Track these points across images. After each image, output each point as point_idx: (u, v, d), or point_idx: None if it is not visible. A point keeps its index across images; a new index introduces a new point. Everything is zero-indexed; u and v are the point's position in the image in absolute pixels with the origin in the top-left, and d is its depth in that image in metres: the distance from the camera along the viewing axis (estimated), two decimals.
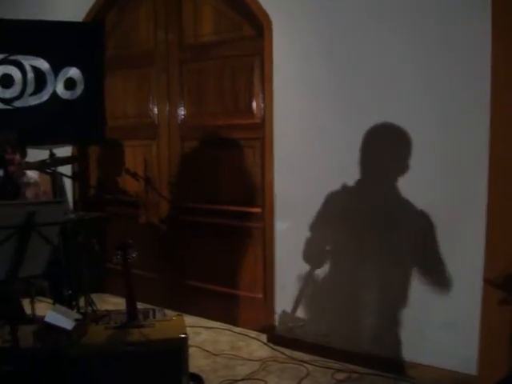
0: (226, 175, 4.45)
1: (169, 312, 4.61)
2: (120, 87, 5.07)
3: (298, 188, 3.91)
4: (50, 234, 2.39)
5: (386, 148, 3.55)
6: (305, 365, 3.76)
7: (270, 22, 3.93)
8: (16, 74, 4.36)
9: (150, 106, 4.89)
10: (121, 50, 5.03)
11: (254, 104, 4.21)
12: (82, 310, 4.07)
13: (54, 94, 4.45)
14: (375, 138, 3.54)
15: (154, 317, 4.55)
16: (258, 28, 4.05)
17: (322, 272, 3.85)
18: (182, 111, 4.70)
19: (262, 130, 4.09)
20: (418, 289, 3.47)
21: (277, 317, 4.11)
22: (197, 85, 4.56)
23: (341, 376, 3.61)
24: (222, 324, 4.53)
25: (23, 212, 2.29)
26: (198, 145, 4.61)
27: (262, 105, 4.12)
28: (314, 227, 3.83)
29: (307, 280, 3.89)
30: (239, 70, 4.27)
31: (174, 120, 4.74)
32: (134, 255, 3.06)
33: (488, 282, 3.13)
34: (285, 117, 3.94)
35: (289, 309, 4.03)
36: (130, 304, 3.10)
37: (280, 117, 3.95)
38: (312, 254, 3.87)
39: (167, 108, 4.78)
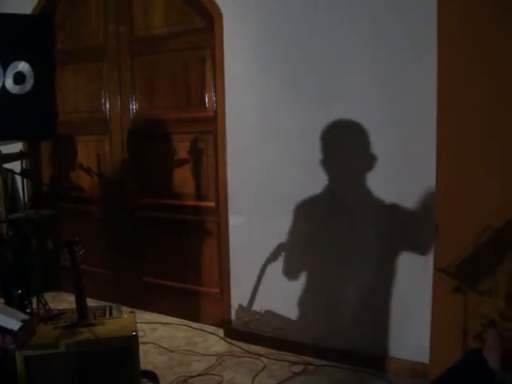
0: (179, 169, 4.40)
1: (126, 309, 4.56)
2: (71, 81, 4.97)
3: (251, 182, 3.89)
4: None
5: (341, 139, 3.55)
6: (261, 358, 3.76)
7: (220, 15, 3.89)
8: None
9: (102, 100, 4.81)
10: (71, 44, 4.92)
11: (206, 97, 4.17)
12: (35, 310, 3.99)
13: (3, 89, 4.33)
14: (330, 130, 3.54)
15: (111, 314, 4.51)
16: (209, 20, 4.00)
17: (275, 265, 3.84)
18: (133, 105, 4.63)
19: (214, 124, 4.06)
20: (372, 277, 3.50)
21: (233, 311, 4.10)
22: (148, 78, 4.50)
23: (297, 369, 3.61)
24: (180, 320, 4.49)
25: None
26: (151, 139, 4.55)
27: (214, 98, 4.08)
28: (268, 221, 3.83)
29: (261, 274, 3.89)
30: (191, 62, 4.23)
31: (126, 114, 4.68)
32: (81, 252, 3.00)
33: (440, 270, 3.17)
34: (237, 110, 3.91)
35: (245, 303, 4.03)
36: (80, 302, 3.05)
37: (232, 110, 3.93)
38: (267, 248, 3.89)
39: (119, 102, 4.70)
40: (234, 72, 3.89)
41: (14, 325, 2.78)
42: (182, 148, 4.37)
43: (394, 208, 3.34)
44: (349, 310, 3.60)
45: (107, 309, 4.65)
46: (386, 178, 3.38)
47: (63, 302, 4.87)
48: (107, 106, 4.79)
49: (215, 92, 4.05)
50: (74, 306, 3.91)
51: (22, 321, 2.81)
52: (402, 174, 3.32)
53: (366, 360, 3.53)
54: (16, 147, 4.53)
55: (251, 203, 3.90)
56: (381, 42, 3.32)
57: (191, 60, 4.22)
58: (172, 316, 4.55)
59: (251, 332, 4.00)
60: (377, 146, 3.39)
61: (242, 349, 3.91)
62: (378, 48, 3.33)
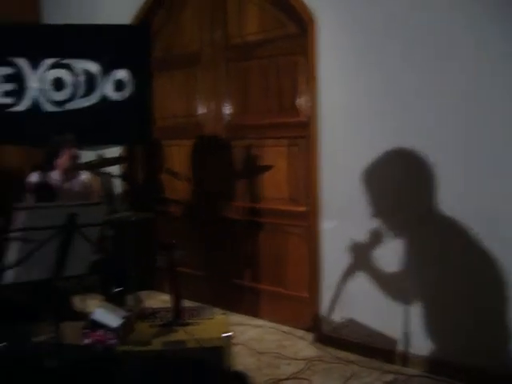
0: (270, 174, 4.44)
1: (216, 310, 4.64)
2: (167, 88, 5.13)
3: (343, 187, 3.87)
4: (91, 235, 2.45)
5: (433, 147, 3.46)
6: (351, 365, 3.72)
7: (313, 20, 3.89)
8: (67, 77, 4.50)
9: (197, 105, 4.94)
10: (167, 51, 5.10)
11: (300, 102, 4.19)
12: (130, 308, 4.14)
13: (104, 96, 4.56)
14: (422, 139, 3.47)
15: (202, 315, 4.60)
16: (302, 26, 4.02)
17: (365, 271, 3.80)
18: (227, 110, 4.72)
19: (307, 129, 4.07)
20: (464, 288, 3.40)
21: (322, 316, 4.09)
22: (242, 84, 4.58)
23: (387, 377, 3.55)
24: (269, 322, 4.53)
25: (65, 213, 2.36)
26: (244, 144, 4.63)
27: (308, 103, 4.08)
28: (359, 226, 3.80)
29: (352, 279, 3.86)
30: (284, 68, 4.26)
31: (220, 119, 4.77)
32: (179, 255, 3.10)
33: None
34: (331, 115, 3.90)
35: (335, 308, 4.00)
36: (176, 302, 3.15)
37: (326, 115, 3.92)
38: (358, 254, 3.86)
39: (213, 108, 4.81)
40: (328, 77, 3.88)
41: (115, 321, 2.90)
42: (274, 153, 4.41)
43: None
44: (441, 318, 3.51)
45: (198, 310, 4.74)
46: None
47: (156, 300, 5.03)
48: (201, 111, 4.91)
49: (308, 97, 4.05)
50: (167, 305, 4.05)
51: (122, 318, 2.93)
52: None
53: (462, 372, 3.42)
54: (112, 151, 4.75)
55: (344, 208, 3.87)
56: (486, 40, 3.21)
57: (284, 66, 4.26)
58: (261, 318, 4.60)
59: (341, 338, 3.97)
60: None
61: (331, 354, 3.90)
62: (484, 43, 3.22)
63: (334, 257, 3.97)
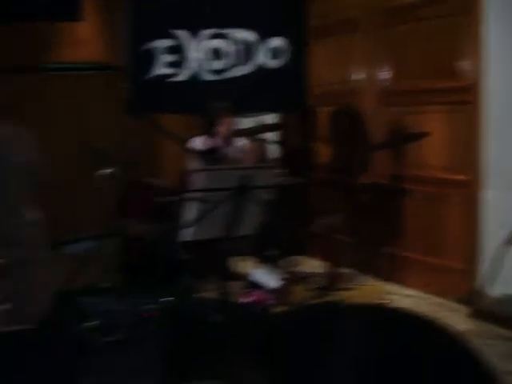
0: (427, 141, 4.27)
1: (368, 278, 4.62)
2: (323, 55, 5.11)
3: (509, 155, 3.65)
4: (262, 197, 2.54)
5: None
6: (509, 343, 3.55)
7: None
8: (225, 46, 4.64)
9: (352, 72, 4.89)
10: (323, 19, 5.05)
11: (462, 66, 3.99)
12: (285, 271, 4.26)
13: (260, 64, 4.66)
14: None
15: (354, 281, 4.62)
16: None
17: None
18: (384, 76, 4.63)
19: (470, 94, 3.88)
20: None
21: (480, 290, 3.93)
22: (400, 48, 4.45)
23: None
24: (421, 293, 4.43)
25: (239, 176, 2.45)
26: (401, 110, 4.51)
27: (471, 67, 3.88)
28: None
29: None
30: (445, 30, 4.08)
31: (376, 86, 4.69)
32: (334, 221, 3.13)
33: None
34: (497, 79, 3.68)
35: (494, 282, 3.83)
36: (331, 268, 3.20)
37: (492, 79, 3.71)
38: None
39: (369, 74, 4.74)
40: (495, 39, 3.67)
41: (275, 283, 3.02)
42: (432, 119, 4.26)
43: None
44: None
45: (350, 276, 4.74)
46: None
47: (306, 266, 5.09)
48: (356, 78, 4.86)
49: (472, 60, 3.86)
50: (318, 270, 4.11)
51: (281, 279, 3.04)
52: None
53: None
54: (268, 118, 4.84)
55: (509, 177, 3.66)
56: None
57: (445, 27, 4.07)
58: (412, 288, 4.50)
59: (499, 314, 3.80)
60: None
61: (488, 330, 3.74)
62: None
63: (495, 228, 3.77)
